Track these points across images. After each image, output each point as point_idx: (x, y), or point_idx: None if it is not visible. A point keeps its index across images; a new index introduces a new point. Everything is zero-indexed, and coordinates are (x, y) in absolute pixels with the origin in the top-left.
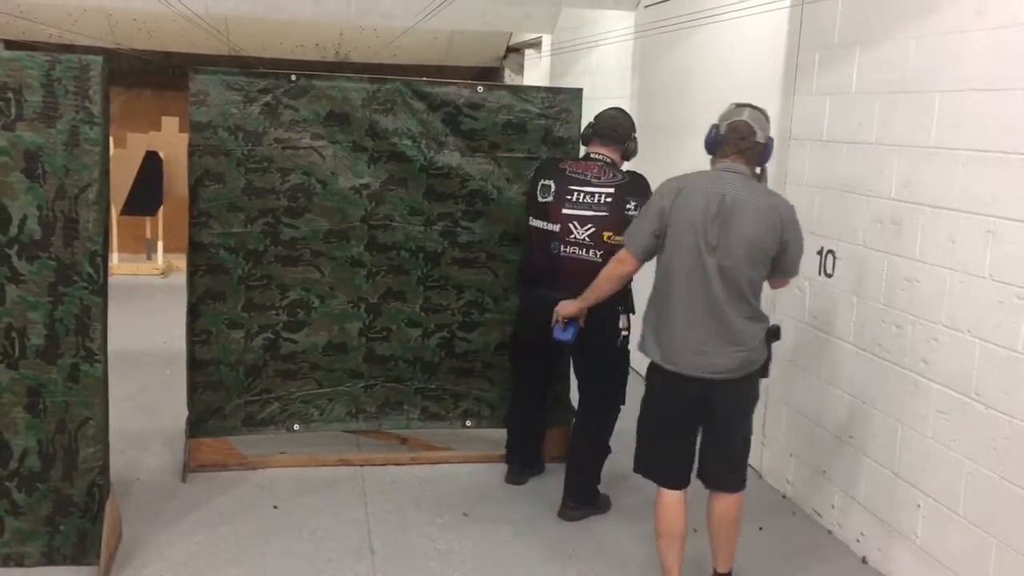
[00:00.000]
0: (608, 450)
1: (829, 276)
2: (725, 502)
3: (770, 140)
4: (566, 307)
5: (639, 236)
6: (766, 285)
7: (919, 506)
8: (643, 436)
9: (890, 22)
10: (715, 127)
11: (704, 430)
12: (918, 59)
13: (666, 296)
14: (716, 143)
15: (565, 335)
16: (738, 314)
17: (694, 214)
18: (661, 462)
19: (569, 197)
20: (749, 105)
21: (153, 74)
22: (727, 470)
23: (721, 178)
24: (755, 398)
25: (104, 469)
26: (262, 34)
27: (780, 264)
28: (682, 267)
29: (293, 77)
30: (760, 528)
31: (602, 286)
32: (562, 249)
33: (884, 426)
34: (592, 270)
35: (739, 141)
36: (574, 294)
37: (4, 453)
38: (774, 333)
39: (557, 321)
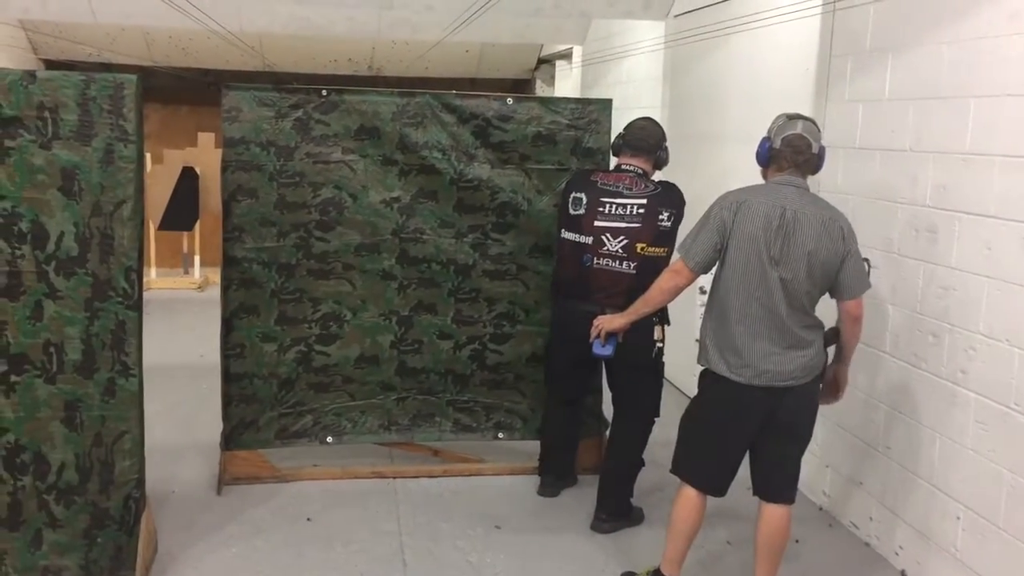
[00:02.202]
0: (642, 462)
1: None
2: (779, 515)
3: (823, 150)
4: (611, 322)
5: (699, 249)
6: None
7: (958, 518)
8: (691, 441)
9: (922, 28)
10: (767, 140)
11: (765, 442)
12: (952, 65)
13: (727, 309)
14: (770, 157)
15: (605, 351)
16: (798, 324)
17: (756, 228)
18: (707, 469)
19: (601, 209)
20: (801, 116)
21: (190, 91)
22: (788, 480)
23: (780, 192)
24: (817, 404)
25: (140, 482)
26: (296, 50)
27: (844, 280)
28: (744, 280)
29: (324, 92)
30: (796, 540)
31: (655, 298)
32: (595, 261)
33: (922, 437)
34: (625, 282)
35: (796, 155)
36: (607, 306)
37: (42, 466)
38: (835, 334)
39: (597, 336)
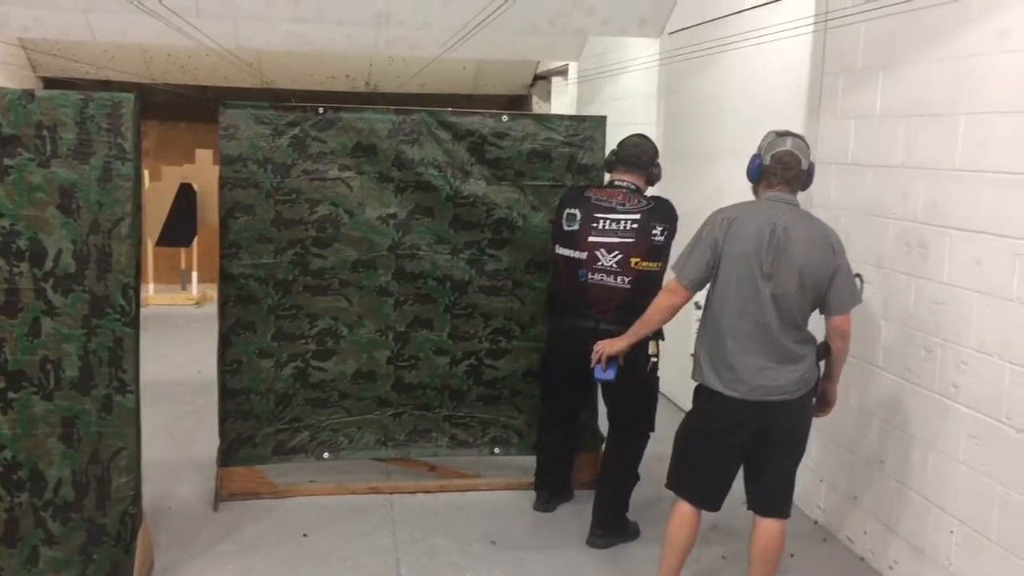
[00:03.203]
0: (637, 477)
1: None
2: (773, 529)
3: (812, 166)
4: (611, 346)
5: (692, 267)
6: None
7: (952, 532)
8: (685, 455)
9: (913, 46)
10: (757, 157)
11: (759, 457)
12: (942, 82)
13: (720, 324)
14: (760, 174)
15: (606, 375)
16: (790, 339)
17: (747, 244)
18: (702, 483)
19: (595, 225)
20: (790, 133)
21: (188, 108)
22: (782, 495)
23: (770, 208)
24: (811, 418)
25: (136, 499)
26: (293, 67)
27: (833, 295)
28: (736, 296)
29: (320, 110)
30: (792, 555)
31: (653, 319)
32: (590, 276)
33: (915, 451)
34: (620, 296)
35: (786, 172)
36: (603, 321)
37: (39, 483)
38: (825, 349)
39: (598, 361)
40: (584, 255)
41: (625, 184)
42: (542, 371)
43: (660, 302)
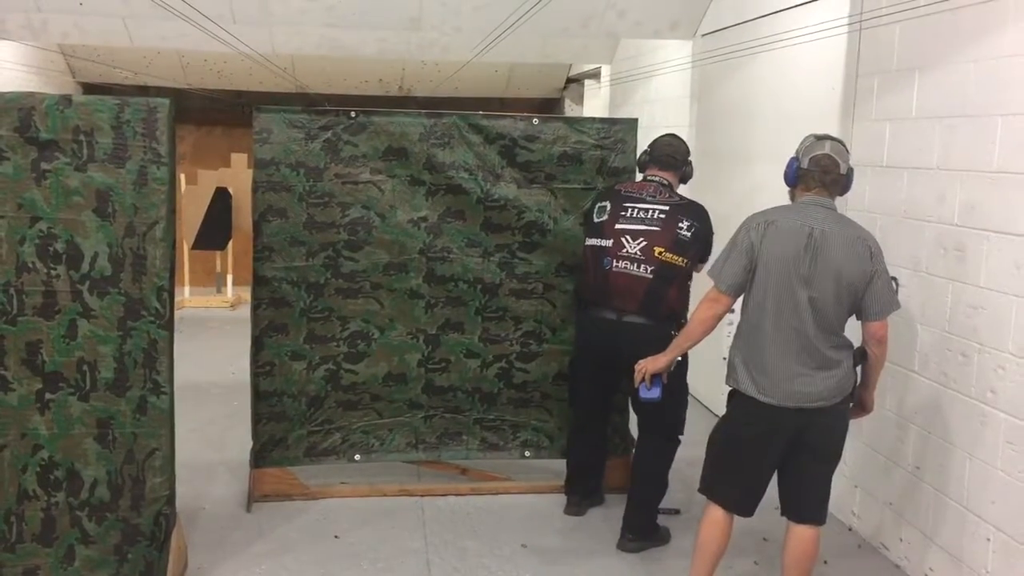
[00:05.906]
0: (666, 484)
1: None
2: (807, 536)
3: (851, 170)
4: (653, 363)
5: (731, 273)
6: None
7: (989, 540)
8: (718, 460)
9: (949, 46)
10: (795, 160)
11: (794, 463)
12: (978, 83)
13: (756, 329)
14: (797, 177)
15: (652, 393)
16: (827, 344)
17: (785, 248)
18: (734, 489)
19: (623, 213)
20: (829, 137)
21: (223, 112)
22: (817, 501)
23: (808, 212)
24: (847, 425)
25: (170, 499)
26: (327, 71)
27: (871, 300)
28: (773, 301)
29: (352, 114)
30: (825, 562)
31: (696, 331)
32: (614, 264)
33: (951, 457)
34: (642, 287)
35: (824, 175)
36: (626, 313)
37: (75, 483)
38: (862, 355)
39: (642, 380)
40: (610, 242)
41: (658, 179)
42: (571, 370)
43: (701, 313)
